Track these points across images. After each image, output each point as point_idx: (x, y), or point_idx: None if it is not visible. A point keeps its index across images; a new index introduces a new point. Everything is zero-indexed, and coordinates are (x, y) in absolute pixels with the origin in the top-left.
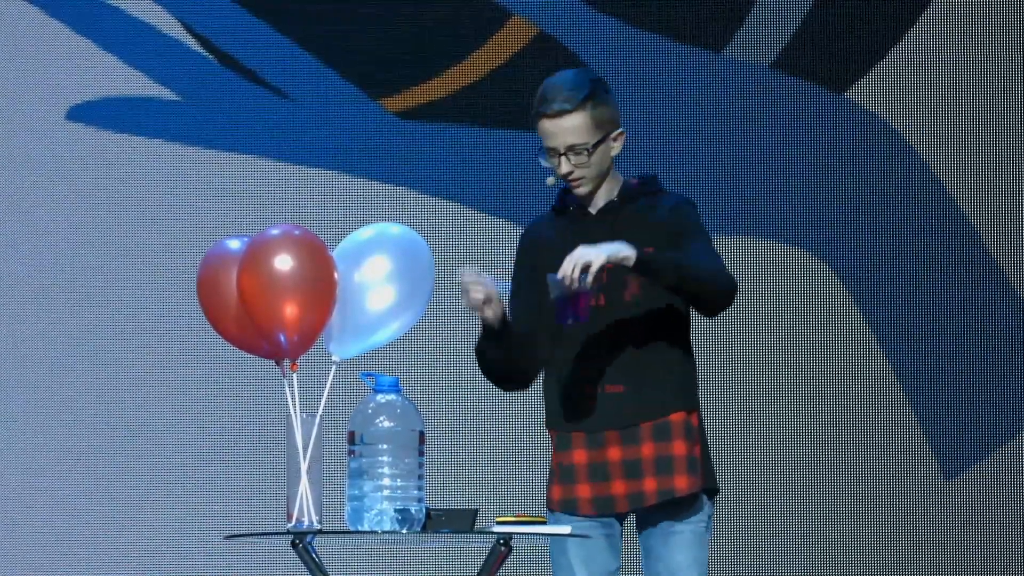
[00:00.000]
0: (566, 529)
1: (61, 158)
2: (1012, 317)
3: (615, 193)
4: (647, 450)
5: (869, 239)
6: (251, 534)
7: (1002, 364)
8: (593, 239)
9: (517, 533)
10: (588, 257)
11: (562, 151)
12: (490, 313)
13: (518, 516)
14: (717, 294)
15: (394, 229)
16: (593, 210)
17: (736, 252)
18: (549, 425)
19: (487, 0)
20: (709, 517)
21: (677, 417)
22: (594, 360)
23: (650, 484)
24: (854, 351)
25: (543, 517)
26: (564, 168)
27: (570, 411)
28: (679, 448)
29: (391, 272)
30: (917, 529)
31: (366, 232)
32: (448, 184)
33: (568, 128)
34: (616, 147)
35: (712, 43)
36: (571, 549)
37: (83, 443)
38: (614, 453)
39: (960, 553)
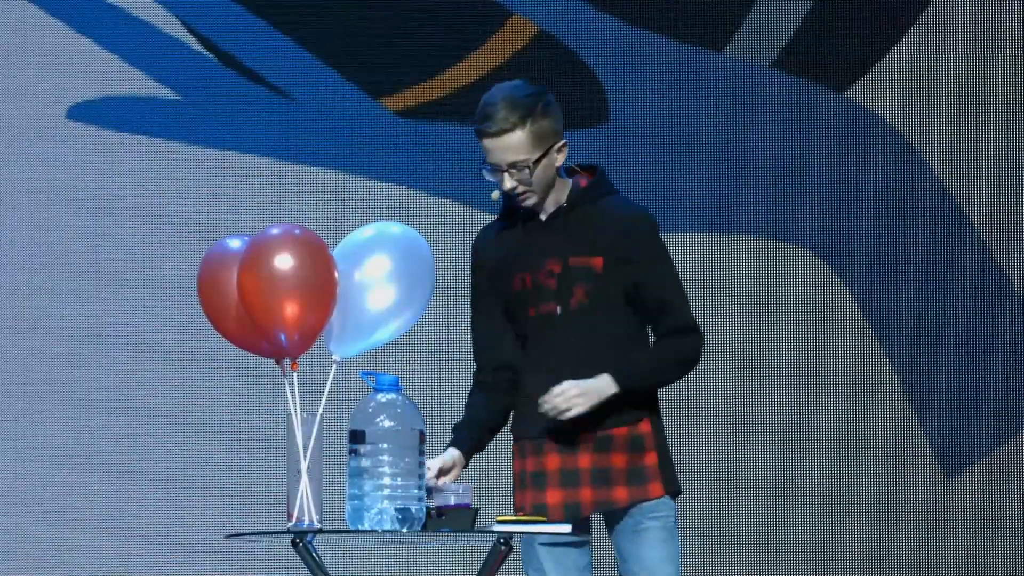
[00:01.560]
0: (566, 528)
1: (61, 157)
2: (1011, 315)
3: (564, 198)
4: (584, 461)
5: (868, 238)
6: (251, 533)
7: (1001, 363)
8: (544, 245)
9: (517, 533)
10: (574, 405)
11: (504, 168)
12: (456, 472)
13: (518, 515)
14: (689, 370)
15: (394, 228)
16: (543, 216)
17: (734, 250)
18: (515, 431)
19: None
20: (675, 518)
21: (620, 431)
22: (546, 368)
23: (586, 494)
24: (853, 350)
25: (543, 516)
26: (508, 184)
27: (528, 418)
28: (619, 460)
29: (391, 271)
30: (916, 528)
31: (366, 231)
32: (448, 183)
33: (508, 146)
34: (560, 158)
35: (712, 42)
36: (541, 551)
37: (83, 441)
38: (552, 461)
39: (959, 552)
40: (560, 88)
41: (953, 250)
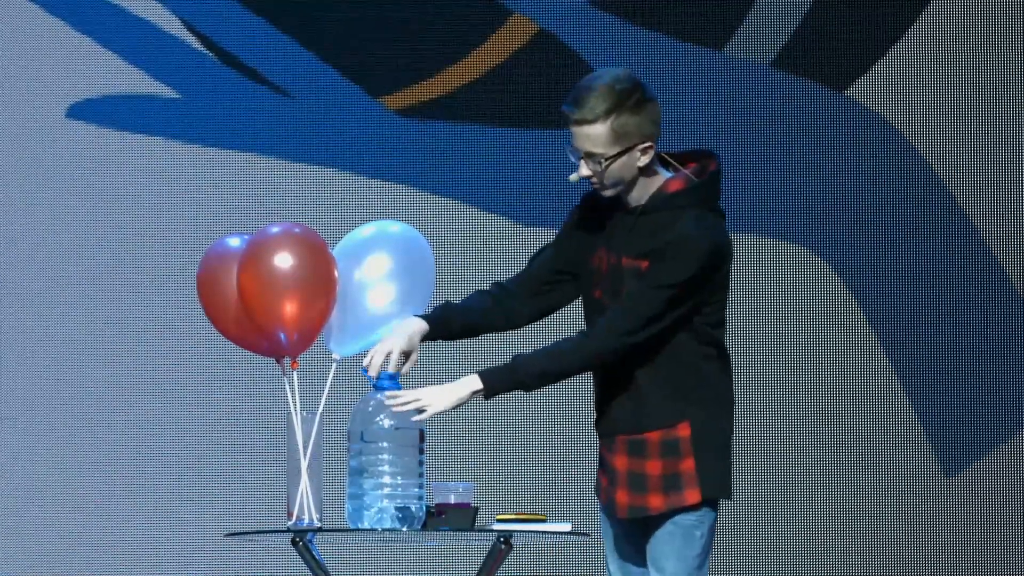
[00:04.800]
0: (566, 527)
1: (61, 156)
2: (1010, 313)
3: (645, 198)
4: (620, 463)
5: (868, 236)
6: (251, 532)
7: (1001, 361)
8: (617, 235)
9: (517, 532)
10: (429, 406)
11: (581, 155)
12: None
13: (518, 514)
14: (586, 369)
15: (394, 227)
16: (624, 208)
17: (734, 249)
18: None
19: None
20: (699, 519)
21: (653, 436)
22: None
23: (622, 497)
24: (853, 348)
25: (543, 515)
26: (584, 171)
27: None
28: (653, 467)
29: (391, 270)
30: (916, 526)
31: (366, 230)
32: (448, 182)
33: (586, 137)
34: (643, 159)
35: (712, 41)
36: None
37: (82, 442)
38: (603, 454)
39: (958, 551)
40: (560, 87)
41: (953, 249)
